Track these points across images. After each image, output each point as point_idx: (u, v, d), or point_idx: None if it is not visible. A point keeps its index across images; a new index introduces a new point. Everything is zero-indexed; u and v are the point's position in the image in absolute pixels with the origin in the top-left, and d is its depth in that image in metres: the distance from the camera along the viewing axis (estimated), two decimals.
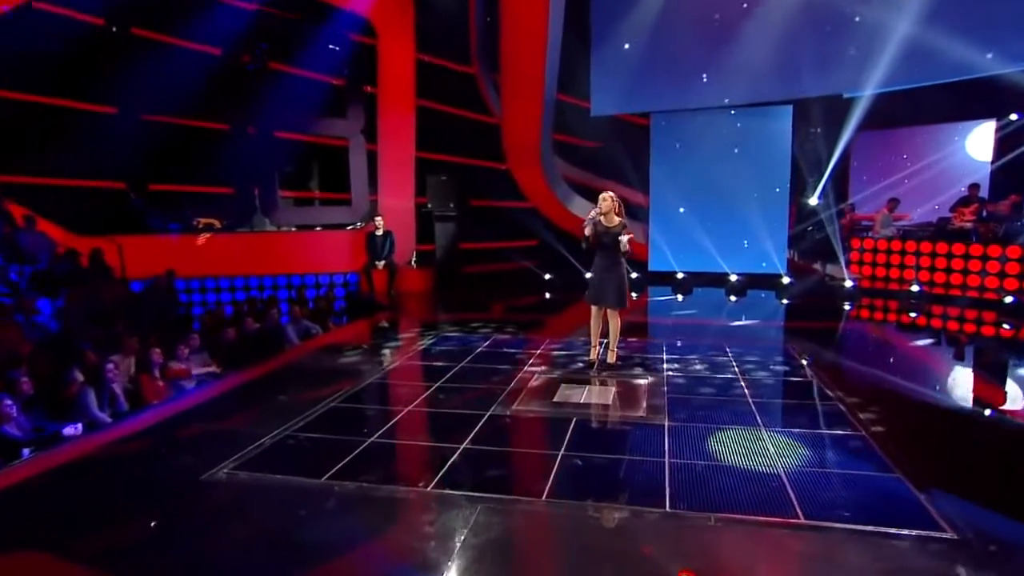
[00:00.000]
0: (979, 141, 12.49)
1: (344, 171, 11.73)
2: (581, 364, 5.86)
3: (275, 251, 10.29)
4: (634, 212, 11.72)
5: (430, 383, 5.44)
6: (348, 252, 10.58)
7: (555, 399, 5.00)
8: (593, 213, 5.50)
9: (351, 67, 11.22)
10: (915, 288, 9.64)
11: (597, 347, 5.80)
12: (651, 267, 11.48)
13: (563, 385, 5.29)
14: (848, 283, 10.10)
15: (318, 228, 11.15)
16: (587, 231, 5.41)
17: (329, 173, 11.90)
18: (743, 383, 5.39)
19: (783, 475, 3.78)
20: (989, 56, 9.64)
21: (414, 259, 10.95)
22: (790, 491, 3.61)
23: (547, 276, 11.04)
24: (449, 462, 3.91)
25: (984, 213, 10.58)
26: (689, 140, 11.61)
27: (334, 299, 9.90)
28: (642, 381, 5.43)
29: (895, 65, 9.93)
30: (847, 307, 9.54)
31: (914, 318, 8.62)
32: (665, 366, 5.85)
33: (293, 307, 8.15)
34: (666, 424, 4.54)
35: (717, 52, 10.86)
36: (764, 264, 11.32)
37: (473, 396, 5.11)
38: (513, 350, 6.46)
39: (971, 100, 10.90)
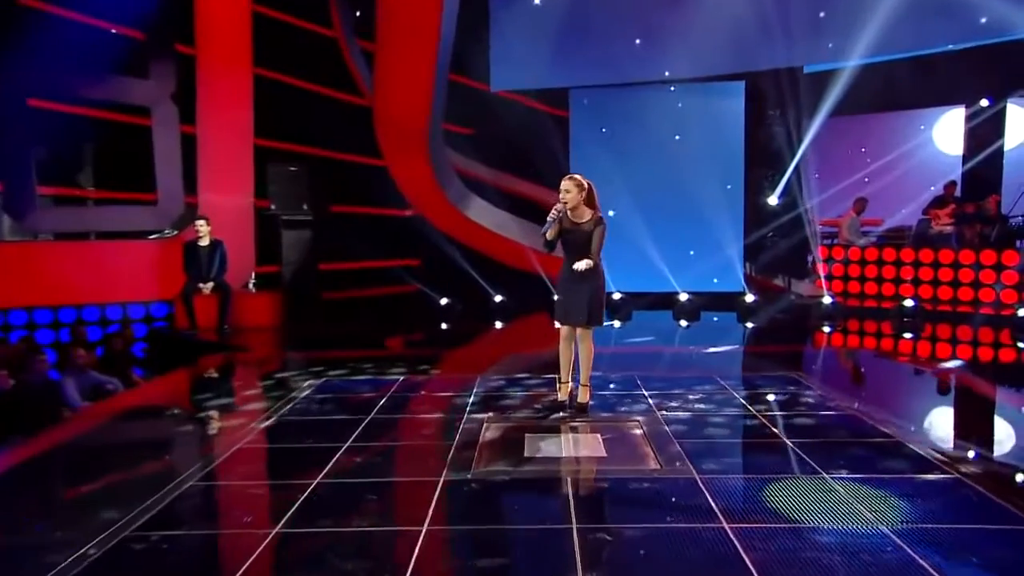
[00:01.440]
0: (947, 131, 13.60)
1: (145, 157, 10.80)
2: (541, 407, 5.77)
3: (34, 271, 9.44)
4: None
5: (335, 443, 5.01)
6: (153, 271, 10.01)
7: (526, 454, 4.73)
8: (556, 209, 5.37)
9: (157, 16, 10.45)
10: (909, 303, 10.02)
11: (568, 383, 5.68)
12: None
13: (528, 436, 5.06)
14: (826, 300, 10.41)
15: (93, 236, 10.44)
16: (549, 234, 5.37)
17: (120, 160, 10.99)
18: (762, 419, 5.44)
19: (892, 535, 3.58)
20: (983, 21, 10.49)
21: (253, 281, 10.44)
22: (918, 558, 3.37)
23: (443, 301, 10.85)
24: (413, 556, 3.41)
25: (966, 214, 11.39)
26: (618, 124, 11.82)
27: (133, 339, 9.28)
28: (633, 424, 5.32)
29: (863, 33, 10.52)
30: (828, 328, 9.92)
31: (918, 337, 9.22)
32: (652, 403, 5.85)
33: (74, 353, 7.37)
34: (696, 476, 4.32)
35: (654, 12, 11.28)
36: (716, 280, 11.62)
37: (407, 458, 4.81)
38: (440, 393, 6.28)
39: (940, 80, 11.76)
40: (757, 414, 5.57)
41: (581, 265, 5.25)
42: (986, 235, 10.99)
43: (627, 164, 11.53)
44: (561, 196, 5.34)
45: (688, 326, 10.25)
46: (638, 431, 5.19)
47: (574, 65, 11.60)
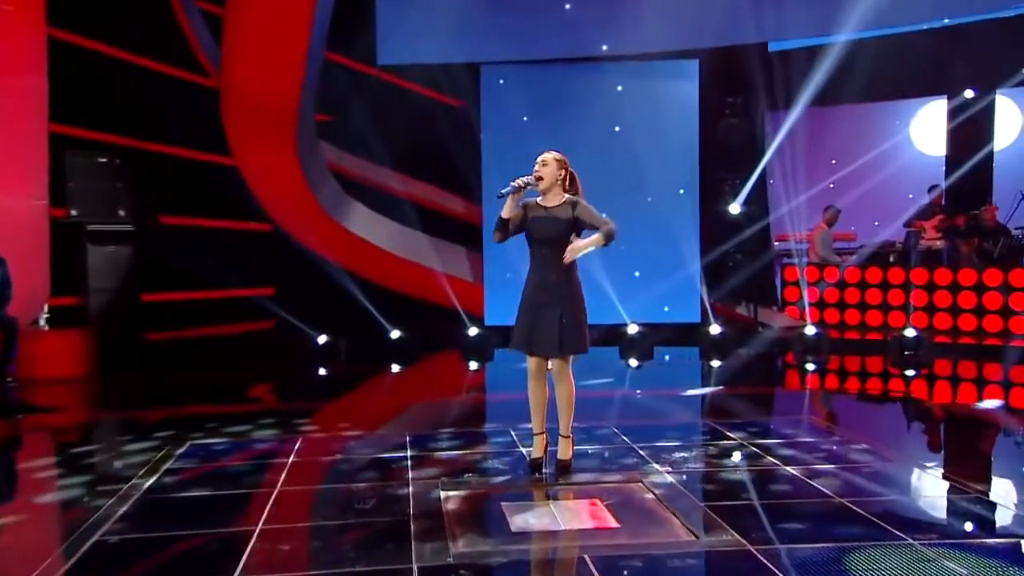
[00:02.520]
0: (927, 127, 14.29)
1: None
2: (506, 467, 5.77)
3: None
4: (460, 231, 12.11)
5: (243, 527, 4.71)
6: None
7: (513, 528, 4.63)
8: (521, 180, 5.30)
9: None
10: (910, 333, 10.30)
11: (543, 434, 5.57)
12: (489, 320, 11.65)
13: (506, 505, 4.99)
14: (809, 330, 10.62)
15: None
16: (504, 211, 5.28)
17: None
18: (803, 476, 5.52)
19: None
20: None
21: (45, 316, 10.13)
22: None
23: (322, 339, 10.69)
24: None
25: (957, 227, 11.96)
26: (542, 111, 11.80)
27: None
28: (636, 485, 5.34)
29: (839, 5, 10.88)
30: (815, 365, 10.20)
31: (935, 375, 9.59)
32: (646, 457, 5.93)
33: None
34: (752, 548, 4.29)
35: None
36: (667, 308, 11.75)
37: (355, 540, 4.55)
38: (360, 455, 6.21)
39: (918, 66, 12.44)
40: (785, 466, 5.68)
41: (581, 246, 5.17)
42: (986, 251, 11.48)
43: None
44: (535, 170, 5.36)
45: (640, 366, 10.36)
46: (646, 494, 5.18)
47: (486, 36, 11.57)
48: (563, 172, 5.37)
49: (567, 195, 5.36)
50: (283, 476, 5.66)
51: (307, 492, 5.41)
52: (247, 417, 7.51)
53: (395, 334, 10.94)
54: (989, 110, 13.08)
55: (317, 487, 5.54)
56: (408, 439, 6.59)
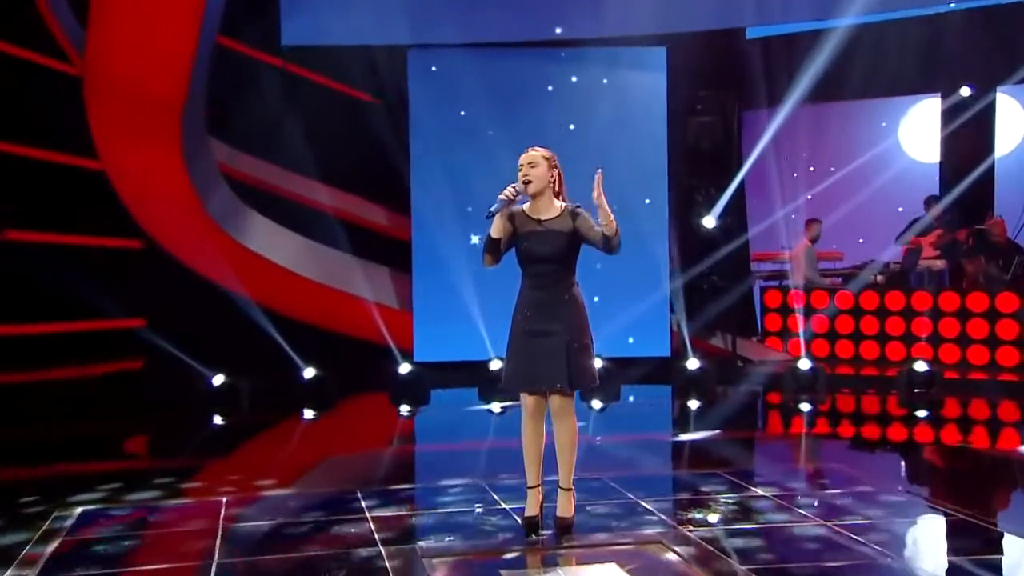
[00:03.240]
0: (918, 129, 14.47)
1: None
2: (494, 527, 5.77)
3: None
4: (384, 248, 12.18)
5: None
6: None
7: None
8: (513, 188, 5.32)
9: None
10: (921, 367, 10.43)
11: (539, 487, 5.55)
12: (419, 355, 11.67)
13: (507, 573, 5.00)
14: (804, 364, 10.74)
15: None
16: (493, 230, 5.32)
17: None
18: (846, 531, 5.58)
19: None
20: None
21: None
22: None
23: (218, 380, 10.60)
24: None
25: (957, 243, 12.25)
26: (483, 105, 11.72)
27: None
28: (657, 545, 5.37)
29: None
30: (810, 404, 10.32)
31: (963, 420, 9.72)
32: (658, 512, 6.02)
33: None
34: None
35: None
36: (632, 340, 11.78)
37: None
38: (307, 518, 6.19)
39: (907, 58, 12.63)
40: (827, 523, 5.71)
41: (610, 224, 5.23)
42: (991, 273, 11.78)
43: (496, 166, 11.10)
44: (521, 175, 5.35)
45: (604, 408, 10.42)
46: (669, 555, 5.20)
47: (415, 13, 11.52)
48: (554, 173, 5.40)
49: (563, 202, 5.42)
50: (216, 545, 5.53)
51: (250, 566, 5.26)
52: (139, 477, 7.45)
53: (309, 373, 10.81)
54: (989, 110, 13.42)
55: (258, 557, 5.40)
56: (361, 496, 6.56)
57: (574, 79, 12.05)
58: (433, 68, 11.91)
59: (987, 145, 13.49)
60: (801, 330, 11.82)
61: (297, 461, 8.35)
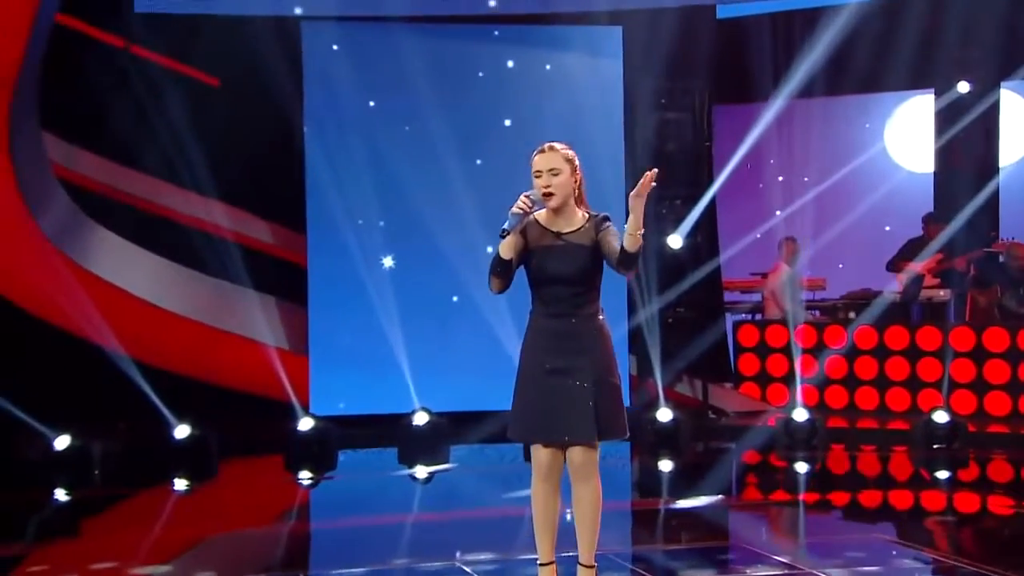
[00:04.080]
0: (907, 132, 14.73)
1: None
2: None
3: None
4: (272, 274, 12.14)
5: None
6: None
7: None
8: (528, 198, 5.28)
9: None
10: (942, 418, 10.54)
11: (553, 565, 5.55)
12: (318, 407, 11.67)
13: None
14: (800, 414, 10.82)
15: None
16: (503, 249, 5.29)
17: None
18: None
19: None
20: None
21: None
22: None
23: (61, 442, 10.38)
24: None
25: (954, 272, 12.53)
26: (397, 93, 11.79)
27: None
28: None
29: None
30: (806, 465, 10.45)
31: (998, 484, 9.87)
32: None
33: None
34: None
35: None
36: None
37: None
38: None
39: (895, 48, 12.88)
40: None
41: (631, 242, 5.04)
42: (1008, 306, 12.01)
43: (414, 169, 11.61)
44: (541, 185, 5.33)
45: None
46: None
47: None
48: (577, 178, 5.40)
49: (586, 211, 5.43)
50: None
51: None
52: None
53: (181, 432, 10.63)
54: (992, 111, 13.67)
55: None
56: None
57: (510, 64, 12.06)
58: (334, 47, 11.83)
59: (990, 152, 13.79)
60: (811, 373, 11.94)
61: (165, 544, 8.13)
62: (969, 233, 12.95)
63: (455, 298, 11.91)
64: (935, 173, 14.17)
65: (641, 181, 5.06)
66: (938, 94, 14.00)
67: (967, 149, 13.63)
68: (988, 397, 11.51)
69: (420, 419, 11.08)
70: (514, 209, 5.16)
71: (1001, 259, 12.35)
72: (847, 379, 12.17)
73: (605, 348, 5.34)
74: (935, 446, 10.42)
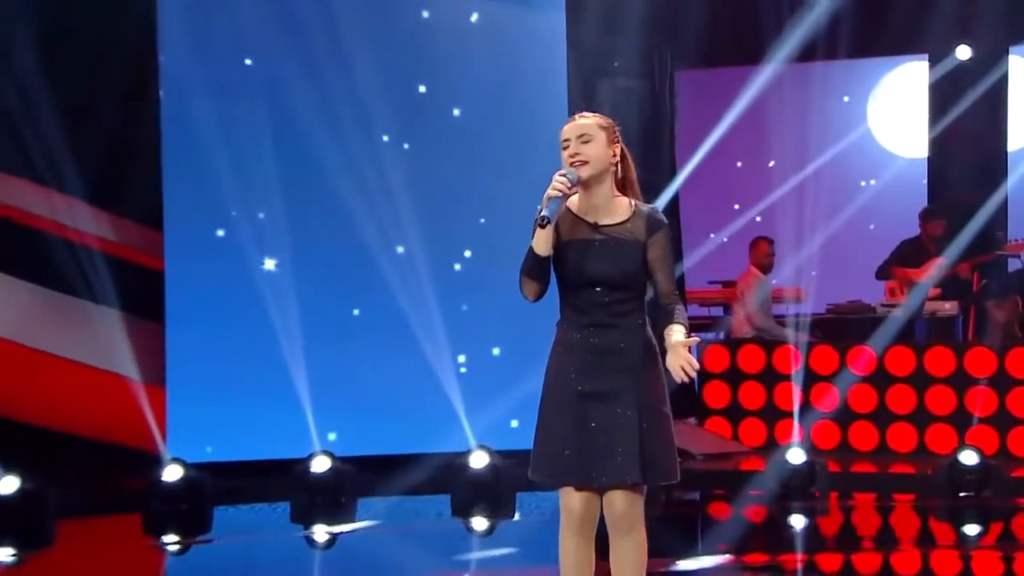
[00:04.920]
0: (895, 109, 14.82)
1: None
2: None
3: None
4: (121, 284, 11.86)
5: None
6: None
7: None
8: (560, 182, 5.19)
9: None
10: (970, 459, 10.52)
11: None
12: (176, 452, 11.51)
13: None
14: (797, 456, 10.78)
15: None
16: (538, 244, 5.25)
17: None
18: None
19: None
20: None
21: None
22: None
23: None
24: None
25: (968, 277, 12.66)
26: (282, 53, 11.68)
27: None
28: None
29: None
30: (806, 518, 10.51)
31: None
32: None
33: None
34: None
35: None
36: (515, 423, 11.74)
37: None
38: None
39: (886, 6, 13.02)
40: None
41: (683, 337, 5.13)
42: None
43: (304, 148, 11.66)
44: (568, 155, 5.29)
45: (492, 528, 10.74)
46: None
47: None
48: (617, 151, 5.32)
49: (631, 198, 5.40)
50: None
51: None
52: None
53: (8, 486, 10.36)
54: (1001, 85, 13.72)
55: None
56: None
57: (425, 15, 12.02)
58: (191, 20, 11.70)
59: (997, 133, 13.87)
60: (797, 405, 11.89)
61: None
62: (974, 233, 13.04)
63: (356, 311, 11.93)
64: (929, 159, 14.27)
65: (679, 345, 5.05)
66: (933, 62, 14.06)
67: (969, 129, 13.63)
68: (1013, 433, 11.45)
69: (320, 465, 11.03)
70: (550, 191, 5.05)
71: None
72: (840, 413, 12.06)
73: (655, 368, 5.28)
74: (962, 494, 10.37)
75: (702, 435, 12.28)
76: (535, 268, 5.20)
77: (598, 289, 5.25)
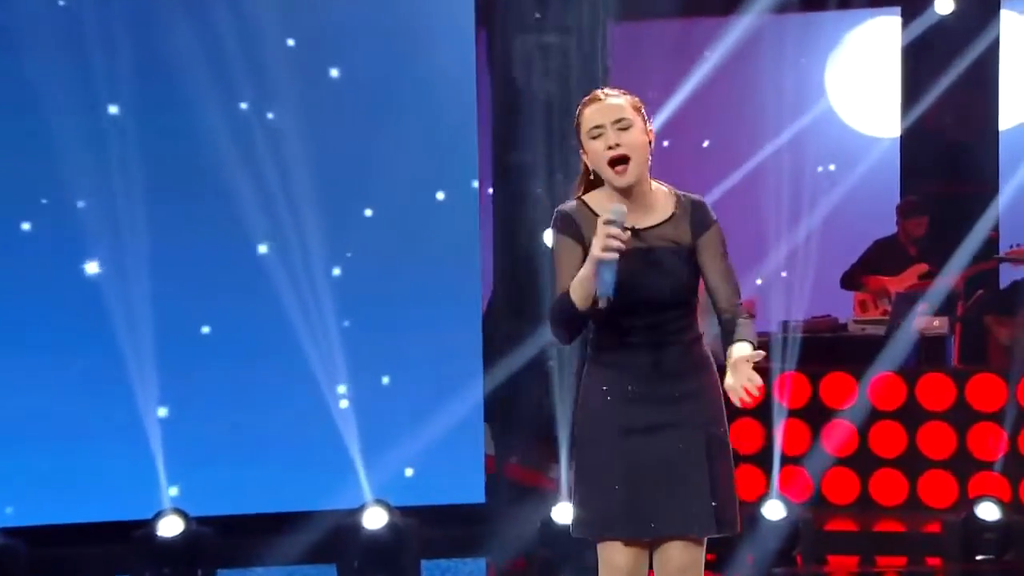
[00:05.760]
0: (860, 73, 14.73)
1: None
2: None
3: None
4: None
5: None
6: None
7: None
8: (611, 233, 5.08)
9: None
10: (989, 513, 10.42)
11: None
12: None
13: None
14: (777, 511, 10.69)
15: None
16: (580, 298, 5.18)
17: None
18: None
19: None
20: None
21: None
22: None
23: None
24: None
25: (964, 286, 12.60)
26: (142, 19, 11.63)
27: None
28: None
29: None
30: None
31: None
32: None
33: None
34: None
35: None
36: (411, 472, 11.87)
37: None
38: None
39: None
40: None
41: (748, 353, 5.12)
42: None
43: (138, 119, 11.47)
44: (596, 144, 5.25)
45: None
46: None
47: None
48: (652, 136, 5.33)
49: (667, 190, 5.43)
50: None
51: None
52: None
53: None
54: (991, 47, 13.59)
55: None
56: None
57: None
58: None
59: (985, 106, 13.85)
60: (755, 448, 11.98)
61: None
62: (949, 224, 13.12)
63: (205, 328, 11.74)
64: (902, 138, 14.20)
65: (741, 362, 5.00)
66: (908, 16, 13.98)
67: (952, 103, 13.52)
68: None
69: (169, 528, 10.77)
70: (602, 254, 4.86)
71: None
72: (808, 456, 11.95)
73: (716, 391, 5.32)
74: (979, 557, 10.39)
75: None
76: (574, 322, 5.15)
77: (643, 310, 5.20)
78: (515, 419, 12.46)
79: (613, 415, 5.24)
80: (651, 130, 5.25)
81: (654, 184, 5.28)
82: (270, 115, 11.76)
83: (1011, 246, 12.71)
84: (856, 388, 11.86)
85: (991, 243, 12.96)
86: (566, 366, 12.31)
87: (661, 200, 5.25)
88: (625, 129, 5.09)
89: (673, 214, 5.22)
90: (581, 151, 5.30)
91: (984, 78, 13.63)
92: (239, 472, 11.72)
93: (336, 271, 12.07)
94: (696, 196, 5.36)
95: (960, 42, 13.37)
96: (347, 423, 11.87)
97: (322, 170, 11.72)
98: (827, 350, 12.60)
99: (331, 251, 11.92)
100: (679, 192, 5.32)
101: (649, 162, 5.18)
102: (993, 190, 13.49)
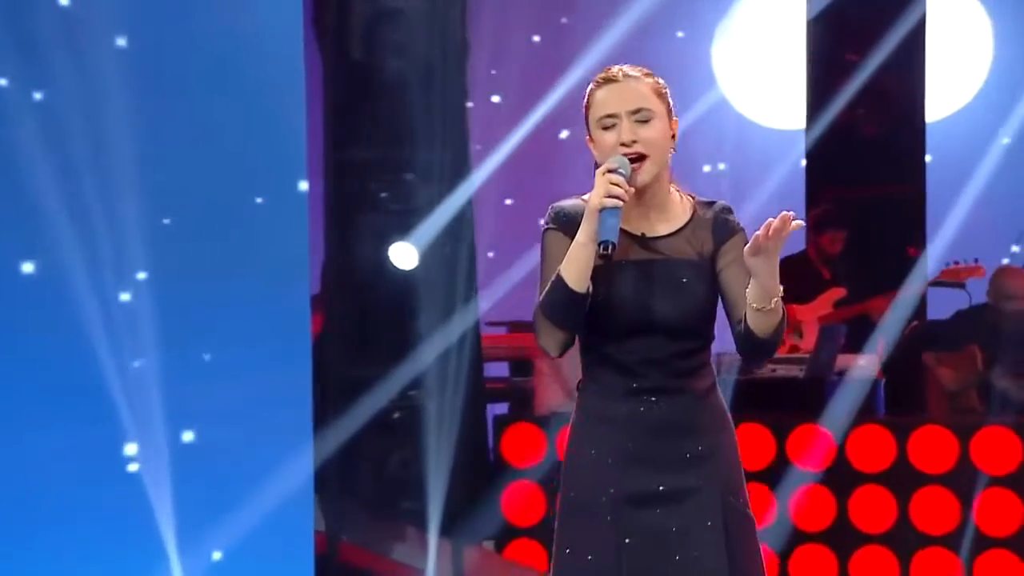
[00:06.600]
0: (752, 52, 14.78)
1: None
2: None
3: None
4: None
5: None
6: None
7: None
8: (614, 180, 5.11)
9: None
10: None
11: None
12: None
13: None
14: None
15: None
16: (576, 279, 5.23)
17: None
18: None
19: None
20: None
21: None
22: None
23: None
24: None
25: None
26: None
27: None
28: None
29: None
30: None
31: None
32: None
33: None
34: None
35: None
36: (218, 554, 12.00)
37: None
38: None
39: None
40: None
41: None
42: (1001, 386, 11.95)
43: None
44: (609, 136, 5.22)
45: None
46: None
47: None
48: (675, 128, 5.40)
49: (685, 196, 5.45)
50: None
51: None
52: None
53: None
54: (918, 30, 13.68)
55: None
56: None
57: None
58: None
59: (910, 97, 13.88)
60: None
61: None
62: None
63: None
64: (806, 129, 14.19)
65: (767, 226, 4.78)
66: None
67: (869, 91, 13.58)
68: (983, 558, 11.37)
69: None
70: (604, 200, 4.87)
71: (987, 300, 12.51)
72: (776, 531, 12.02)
73: (734, 452, 5.36)
74: None
75: (503, 568, 12.30)
76: (569, 310, 5.02)
77: (652, 336, 5.16)
78: (353, 486, 12.29)
79: (608, 479, 5.14)
80: (676, 120, 5.20)
81: (677, 195, 5.23)
82: (37, 95, 11.38)
83: (947, 264, 12.73)
84: (774, 444, 11.83)
85: (919, 261, 12.97)
86: (430, 413, 12.46)
87: (676, 205, 5.23)
88: (645, 122, 5.02)
89: (690, 221, 5.19)
90: (587, 139, 5.17)
91: (908, 61, 13.69)
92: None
93: (124, 296, 11.76)
94: (718, 203, 5.27)
95: (880, 17, 13.49)
96: (136, 491, 11.57)
97: (106, 167, 11.38)
98: (733, 396, 12.11)
99: (118, 271, 11.60)
100: (694, 196, 5.28)
101: (669, 160, 5.15)
102: (920, 195, 13.58)
